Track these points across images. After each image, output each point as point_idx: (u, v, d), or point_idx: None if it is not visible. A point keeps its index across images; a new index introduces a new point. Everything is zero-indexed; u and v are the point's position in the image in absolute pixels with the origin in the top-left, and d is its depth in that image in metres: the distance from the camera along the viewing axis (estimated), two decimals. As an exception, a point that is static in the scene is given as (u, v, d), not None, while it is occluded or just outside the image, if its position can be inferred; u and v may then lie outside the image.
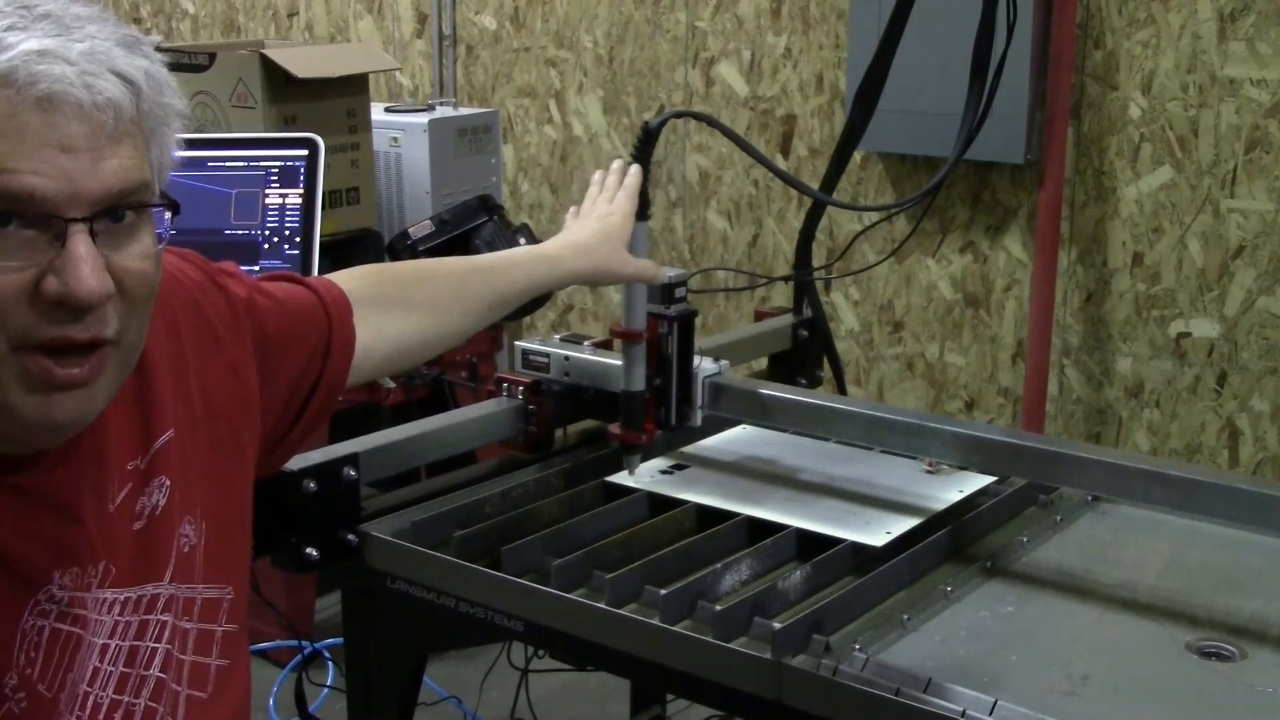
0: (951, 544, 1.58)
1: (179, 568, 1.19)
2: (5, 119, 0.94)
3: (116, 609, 1.14)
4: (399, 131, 3.32)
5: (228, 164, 2.75)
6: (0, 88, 0.94)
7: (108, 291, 0.99)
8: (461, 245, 3.00)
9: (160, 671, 1.17)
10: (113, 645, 1.14)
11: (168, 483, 1.19)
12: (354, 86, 3.16)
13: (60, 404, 1.01)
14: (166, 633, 1.18)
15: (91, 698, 1.12)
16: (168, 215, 1.06)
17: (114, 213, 1.00)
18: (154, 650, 1.16)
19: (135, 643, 1.15)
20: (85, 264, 0.97)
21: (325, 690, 2.65)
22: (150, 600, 1.17)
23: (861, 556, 1.54)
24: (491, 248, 2.97)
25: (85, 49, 0.96)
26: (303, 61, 3.01)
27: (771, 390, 1.75)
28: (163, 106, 1.03)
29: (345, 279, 1.48)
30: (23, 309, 0.97)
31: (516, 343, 1.87)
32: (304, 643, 1.95)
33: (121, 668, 1.14)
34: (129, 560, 1.15)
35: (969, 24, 1.97)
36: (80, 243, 0.97)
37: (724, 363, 1.77)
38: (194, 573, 1.21)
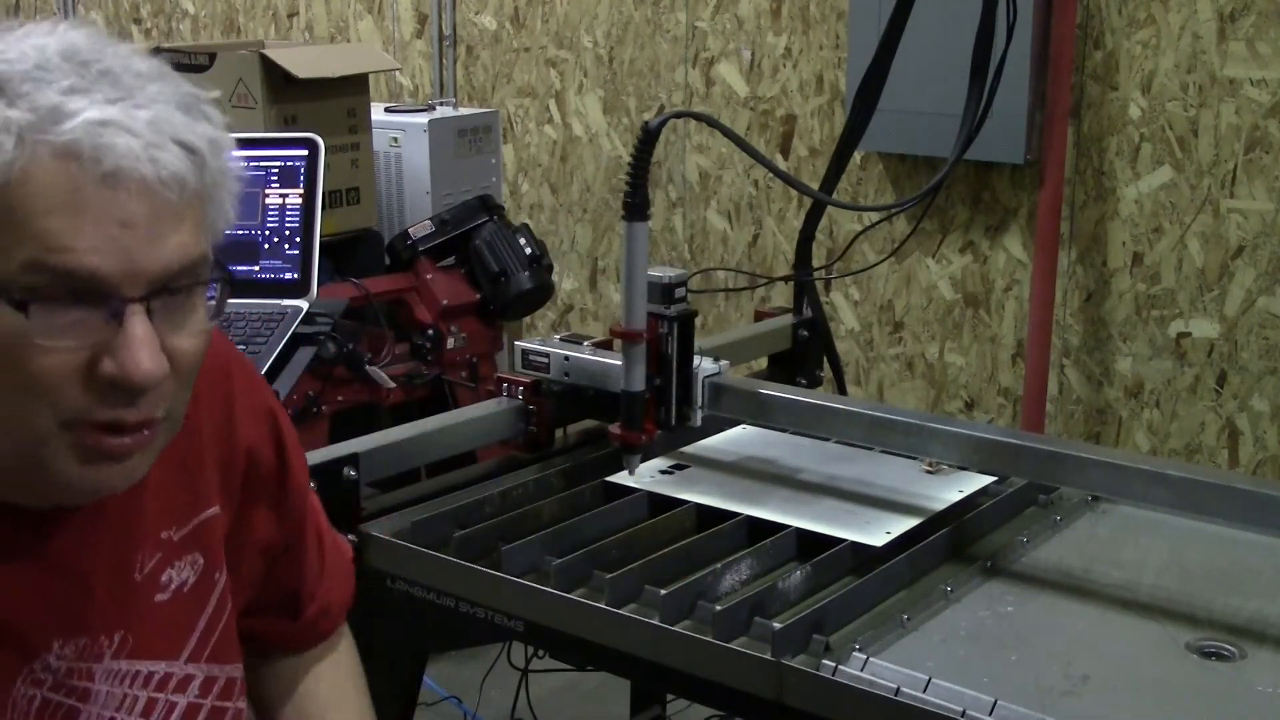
0: (951, 544, 1.58)
1: (198, 647, 1.15)
2: (66, 194, 0.89)
3: (126, 682, 1.10)
4: (399, 131, 3.32)
5: (228, 164, 2.75)
6: (62, 160, 0.89)
7: (164, 373, 0.95)
8: (461, 245, 3.00)
9: None
10: (118, 718, 1.10)
11: (201, 561, 1.15)
12: (354, 86, 3.16)
13: (109, 473, 0.98)
14: (175, 713, 1.14)
15: None
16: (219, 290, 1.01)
17: (170, 289, 0.95)
18: None
19: (141, 719, 1.12)
20: (144, 347, 0.93)
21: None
22: (163, 678, 1.12)
23: (861, 556, 1.54)
24: (491, 248, 2.98)
25: (149, 118, 0.91)
26: (303, 61, 3.01)
27: (771, 390, 1.75)
28: (223, 172, 0.98)
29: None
30: (76, 389, 0.93)
31: (516, 343, 1.87)
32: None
33: None
34: (147, 633, 1.11)
35: (969, 24, 1.96)
36: (138, 324, 0.93)
37: (724, 363, 1.77)
38: (213, 653, 1.17)
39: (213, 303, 1.01)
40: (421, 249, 2.98)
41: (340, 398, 2.68)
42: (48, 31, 0.94)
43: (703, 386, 1.73)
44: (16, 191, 0.89)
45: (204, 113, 0.97)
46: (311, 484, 1.35)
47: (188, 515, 1.14)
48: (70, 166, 0.89)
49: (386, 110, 3.40)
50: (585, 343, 1.83)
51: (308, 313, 2.55)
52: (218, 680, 1.17)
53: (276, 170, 2.69)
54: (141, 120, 0.91)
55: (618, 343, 1.68)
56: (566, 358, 1.80)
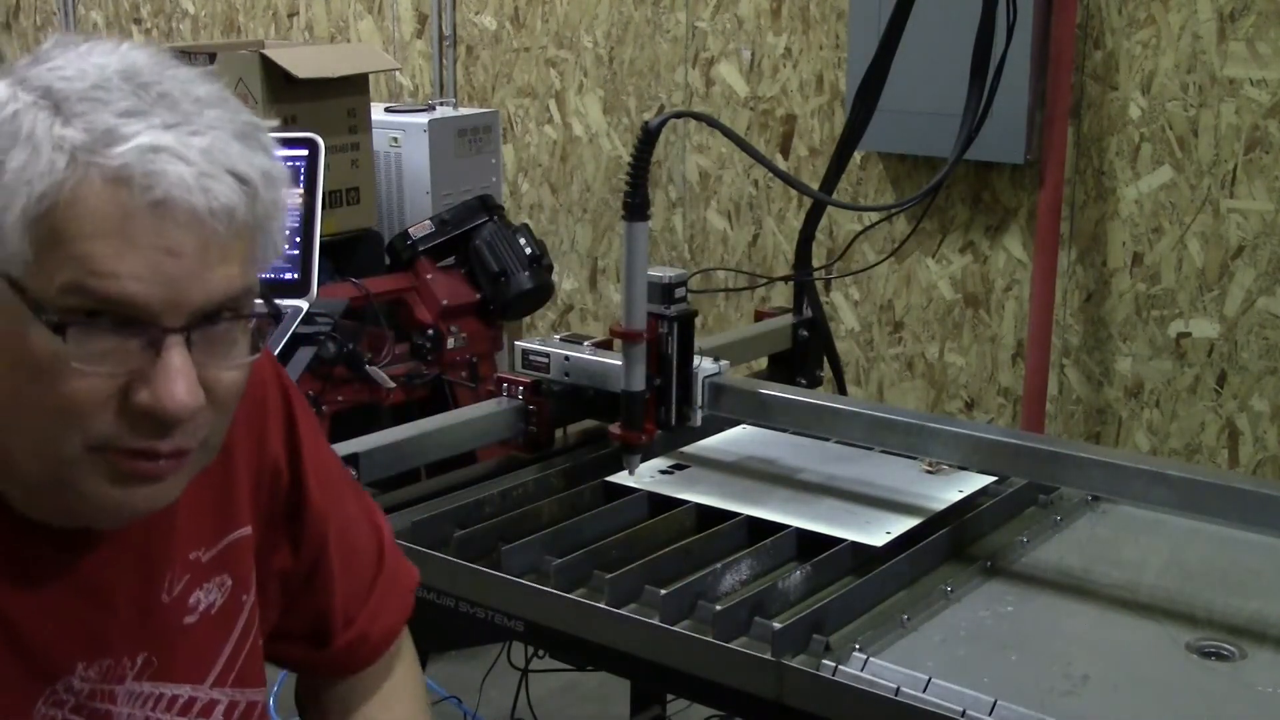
0: (951, 544, 1.58)
1: (224, 671, 1.13)
2: (114, 219, 0.87)
3: (150, 705, 1.07)
4: (399, 131, 3.32)
5: (228, 164, 2.75)
6: (112, 185, 0.87)
7: (200, 405, 0.92)
8: (461, 245, 3.01)
9: None
10: None
11: (229, 582, 1.12)
12: (354, 86, 3.16)
13: (140, 494, 0.95)
14: None
15: None
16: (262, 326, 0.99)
17: (211, 319, 0.92)
18: None
19: None
20: (180, 378, 0.90)
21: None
22: (187, 702, 1.10)
23: (861, 556, 1.54)
24: (491, 248, 2.98)
25: (204, 146, 0.89)
26: (303, 61, 3.01)
27: (771, 390, 1.75)
28: (275, 204, 0.95)
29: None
30: (108, 416, 0.91)
31: (516, 343, 1.87)
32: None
33: None
34: (174, 655, 1.08)
35: (969, 24, 1.97)
36: (176, 355, 0.90)
37: (724, 363, 1.77)
38: (238, 677, 1.14)
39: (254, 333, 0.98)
40: (421, 249, 2.98)
41: (340, 398, 2.68)
42: (110, 50, 0.92)
43: (703, 386, 1.73)
44: (65, 213, 0.87)
45: (260, 142, 0.95)
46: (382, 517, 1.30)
47: (218, 535, 1.12)
48: (120, 192, 0.87)
49: (386, 110, 3.40)
50: (585, 343, 1.83)
51: (308, 313, 2.55)
52: (239, 705, 1.15)
53: (276, 170, 2.69)
54: (196, 148, 0.89)
55: (618, 343, 1.68)
56: (566, 358, 1.80)
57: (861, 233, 2.66)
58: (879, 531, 1.58)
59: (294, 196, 2.67)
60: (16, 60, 0.93)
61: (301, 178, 2.68)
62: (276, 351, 2.45)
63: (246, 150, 0.92)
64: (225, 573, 1.12)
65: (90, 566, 1.02)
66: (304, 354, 2.51)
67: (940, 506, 1.66)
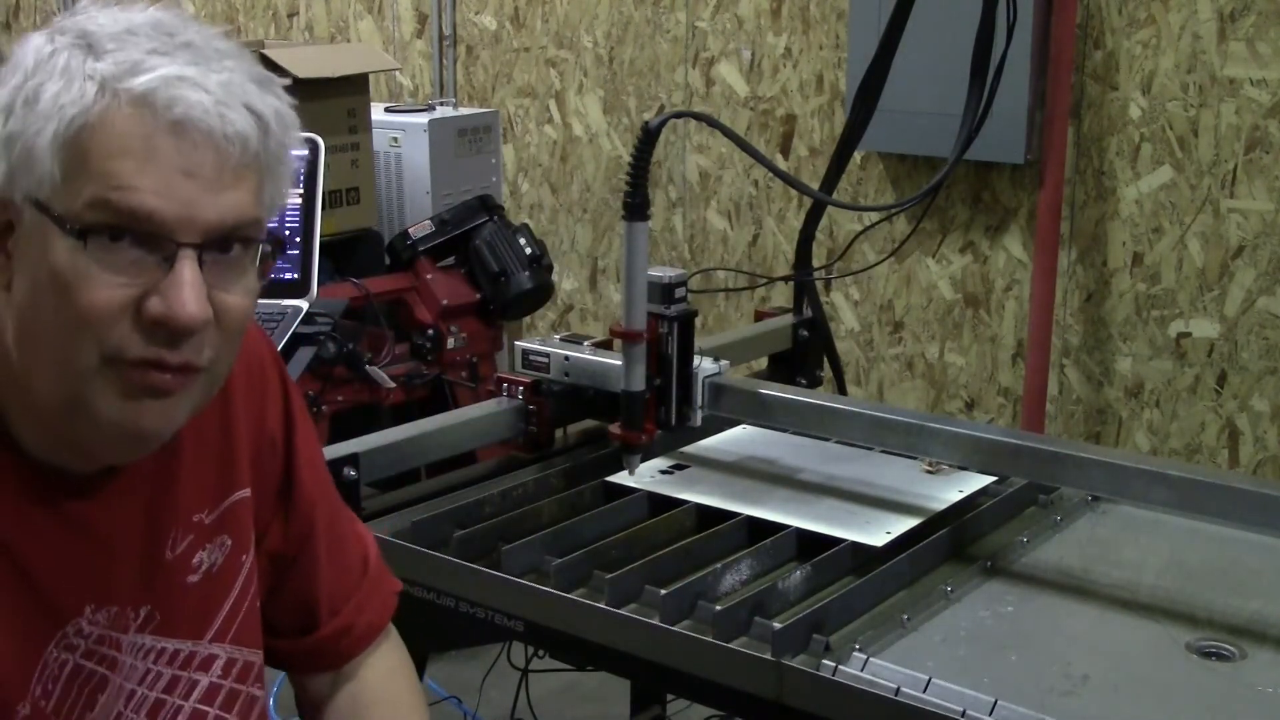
0: (951, 544, 1.58)
1: (223, 627, 1.19)
2: (138, 138, 0.95)
3: (151, 657, 1.13)
4: (399, 131, 3.32)
5: (228, 164, 2.74)
6: (137, 107, 0.95)
7: (207, 318, 0.99)
8: (461, 245, 3.00)
9: None
10: (139, 692, 1.13)
11: (229, 542, 1.19)
12: (354, 86, 3.16)
13: (148, 410, 1.01)
14: (196, 691, 1.17)
15: None
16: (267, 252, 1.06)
17: (223, 244, 1.00)
18: (180, 707, 1.16)
19: (163, 695, 1.14)
20: (190, 289, 0.97)
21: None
22: (187, 657, 1.16)
23: (861, 556, 1.54)
24: (491, 248, 2.98)
25: (222, 80, 0.98)
26: (303, 61, 3.01)
27: (771, 390, 1.75)
28: (284, 146, 1.03)
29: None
30: (123, 325, 0.97)
31: (516, 343, 1.87)
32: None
33: (143, 717, 1.13)
34: (176, 612, 1.14)
35: (969, 24, 1.96)
36: (187, 268, 0.97)
37: (724, 363, 1.77)
38: (236, 635, 1.20)
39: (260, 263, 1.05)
40: (421, 249, 2.98)
41: (340, 398, 2.68)
42: (140, 9, 1.02)
43: (703, 386, 1.73)
44: (92, 135, 0.95)
45: (274, 88, 1.03)
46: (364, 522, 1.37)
47: (220, 498, 1.18)
48: (144, 113, 0.95)
49: (386, 110, 3.40)
50: (585, 343, 1.83)
51: (308, 313, 2.55)
52: (238, 663, 1.20)
53: (276, 170, 2.69)
54: (215, 81, 0.97)
55: (618, 343, 1.68)
56: (566, 358, 1.80)
57: (861, 233, 2.66)
58: (879, 531, 1.58)
59: (293, 196, 2.67)
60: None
61: (301, 178, 2.68)
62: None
63: (261, 91, 1.01)
64: (226, 534, 1.18)
65: (97, 514, 1.07)
66: (304, 354, 2.51)
67: (940, 506, 1.66)
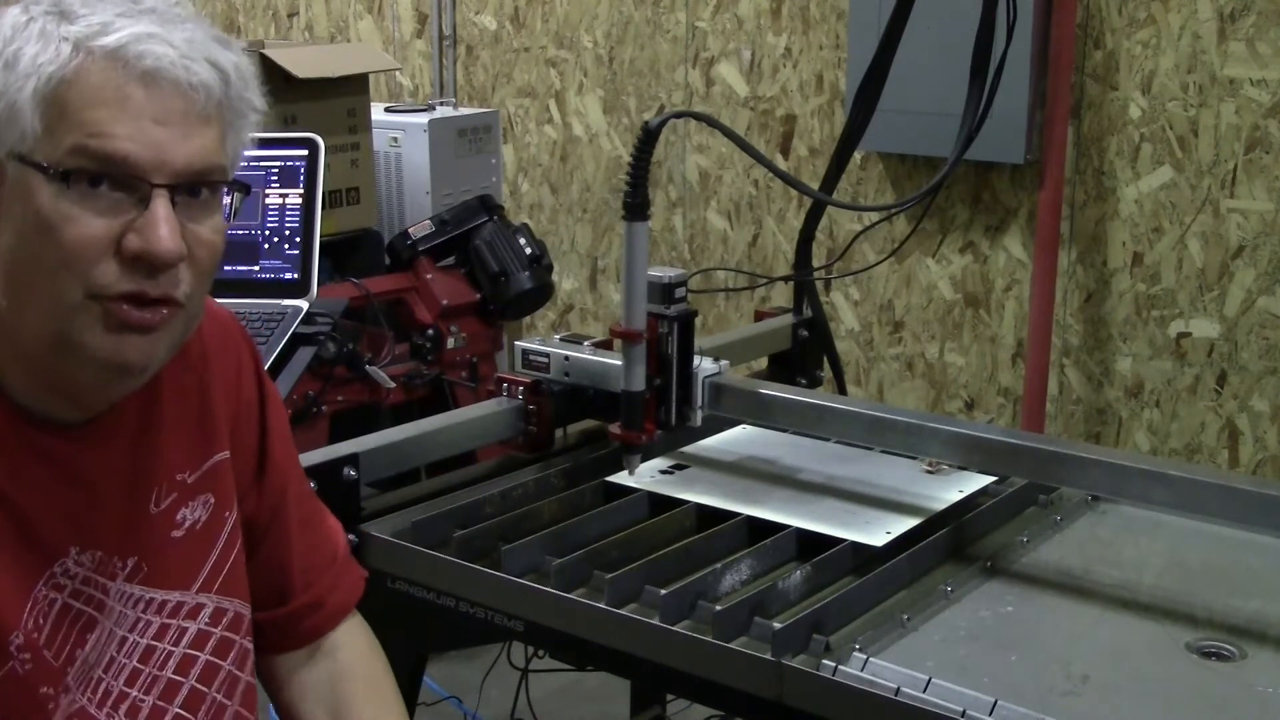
0: (951, 544, 1.58)
1: (210, 577, 1.26)
2: (111, 89, 1.04)
3: (140, 606, 1.20)
4: (399, 131, 3.32)
5: (228, 164, 2.74)
6: (109, 60, 1.04)
7: (182, 252, 1.08)
8: (461, 245, 3.00)
9: (174, 674, 1.22)
10: (130, 639, 1.20)
11: (212, 500, 1.27)
12: (354, 86, 3.16)
13: (131, 344, 1.08)
14: (186, 638, 1.24)
15: (104, 684, 1.17)
16: (232, 198, 1.16)
17: (192, 188, 1.09)
18: (170, 653, 1.22)
19: (153, 642, 1.21)
20: (165, 225, 1.06)
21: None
22: (175, 606, 1.23)
23: (861, 556, 1.54)
24: (491, 248, 2.98)
25: (186, 36, 1.08)
26: (303, 61, 3.01)
27: (771, 390, 1.75)
28: (245, 100, 1.13)
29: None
30: (106, 261, 1.06)
31: (516, 343, 1.87)
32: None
33: (135, 662, 1.20)
34: (162, 564, 1.22)
35: (969, 24, 1.96)
36: (161, 206, 1.06)
37: (724, 363, 1.77)
38: (222, 585, 1.27)
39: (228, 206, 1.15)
40: (421, 249, 2.98)
41: (340, 398, 2.68)
42: None
43: (703, 386, 1.73)
44: (69, 89, 1.04)
45: (234, 48, 1.13)
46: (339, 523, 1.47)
47: (201, 459, 1.27)
48: (116, 66, 1.05)
49: (386, 110, 3.40)
50: (585, 343, 1.83)
51: (308, 313, 2.55)
52: (227, 613, 1.28)
53: (276, 170, 2.69)
54: (179, 37, 1.07)
55: (618, 343, 1.68)
56: (566, 358, 1.80)
57: (861, 233, 2.66)
58: (879, 531, 1.58)
59: (293, 196, 2.67)
60: None
61: (301, 178, 2.68)
62: (277, 351, 2.45)
63: (221, 48, 1.11)
64: (209, 492, 1.27)
65: (81, 459, 1.16)
66: (304, 354, 2.51)
67: (940, 506, 1.66)
